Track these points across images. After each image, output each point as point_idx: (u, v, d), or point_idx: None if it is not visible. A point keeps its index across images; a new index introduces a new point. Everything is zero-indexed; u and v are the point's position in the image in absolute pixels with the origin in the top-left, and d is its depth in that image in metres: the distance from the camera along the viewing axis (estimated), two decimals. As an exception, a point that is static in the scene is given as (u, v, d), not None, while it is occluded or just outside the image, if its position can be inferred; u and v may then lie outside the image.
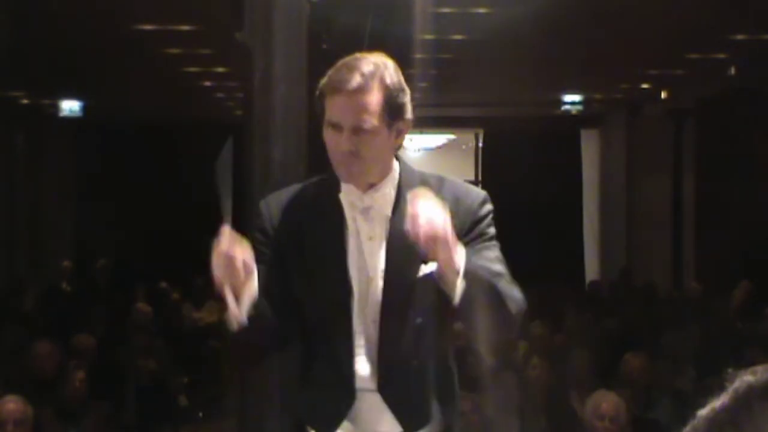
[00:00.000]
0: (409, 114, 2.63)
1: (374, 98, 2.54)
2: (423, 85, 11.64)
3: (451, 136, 18.08)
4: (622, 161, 15.70)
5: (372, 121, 2.54)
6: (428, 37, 7.94)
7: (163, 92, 13.26)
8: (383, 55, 2.66)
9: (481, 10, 8.21)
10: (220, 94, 13.53)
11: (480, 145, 16.92)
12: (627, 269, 14.33)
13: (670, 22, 8.80)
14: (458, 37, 9.25)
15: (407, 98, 2.63)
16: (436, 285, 2.58)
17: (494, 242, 2.69)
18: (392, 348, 2.64)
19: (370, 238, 2.66)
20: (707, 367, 7.54)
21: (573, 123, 16.16)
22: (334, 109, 2.55)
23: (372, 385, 2.66)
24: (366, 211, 2.66)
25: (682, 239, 14.14)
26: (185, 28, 9.00)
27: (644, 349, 7.36)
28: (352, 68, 2.55)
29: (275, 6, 3.78)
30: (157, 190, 15.19)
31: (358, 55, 2.62)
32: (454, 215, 2.60)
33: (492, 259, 2.63)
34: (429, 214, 2.41)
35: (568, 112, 15.38)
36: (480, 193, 2.72)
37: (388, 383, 2.65)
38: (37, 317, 10.10)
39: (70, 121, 14.86)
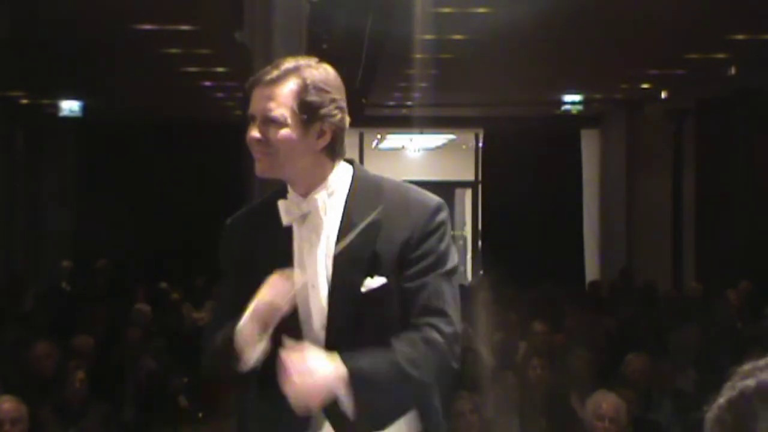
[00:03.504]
0: (335, 117, 2.59)
1: (285, 90, 2.56)
2: (423, 85, 11.68)
3: (451, 136, 18.08)
4: (622, 161, 15.71)
5: (280, 110, 2.54)
6: (428, 37, 7.96)
7: (163, 92, 13.27)
8: (324, 62, 2.66)
9: (481, 10, 8.21)
10: (220, 94, 13.53)
11: (480, 145, 16.91)
12: (627, 269, 14.33)
13: (670, 22, 8.81)
14: (458, 37, 9.25)
15: (333, 101, 2.59)
16: (386, 298, 2.55)
17: (443, 267, 2.60)
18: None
19: (310, 245, 2.63)
20: (707, 367, 7.54)
21: (573, 123, 16.17)
22: (251, 101, 2.60)
23: None
24: (304, 217, 2.63)
25: (682, 239, 14.14)
26: (185, 28, 9.01)
27: (644, 349, 7.36)
28: (274, 65, 2.61)
29: (275, 6, 3.78)
30: (157, 190, 15.19)
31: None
32: (403, 226, 2.57)
33: (421, 302, 2.55)
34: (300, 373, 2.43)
35: (568, 112, 15.38)
36: (433, 201, 2.63)
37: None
38: (37, 317, 10.10)
39: (70, 121, 14.86)
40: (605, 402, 5.54)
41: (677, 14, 8.48)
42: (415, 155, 18.62)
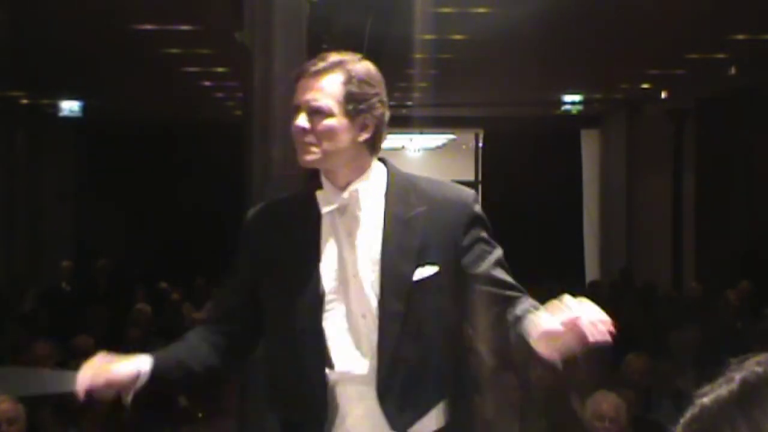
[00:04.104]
0: (377, 111, 2.65)
1: (333, 81, 2.60)
2: (423, 85, 11.68)
3: (451, 136, 18.08)
4: (622, 161, 15.71)
5: (326, 100, 2.59)
6: (428, 37, 7.95)
7: (163, 92, 13.26)
8: (366, 59, 2.71)
9: (481, 10, 8.21)
10: (220, 94, 13.53)
11: (480, 145, 16.91)
12: (627, 269, 14.33)
13: (670, 22, 8.81)
14: (458, 37, 9.25)
15: (376, 95, 2.65)
16: (436, 286, 2.61)
17: (497, 249, 2.71)
18: (391, 346, 2.62)
19: (350, 236, 2.67)
20: (707, 367, 7.53)
21: (573, 123, 16.17)
22: (297, 92, 2.64)
23: (369, 384, 2.65)
24: (343, 209, 2.67)
25: (682, 239, 14.13)
26: (185, 28, 9.01)
27: (645, 350, 7.35)
28: (318, 57, 2.66)
29: (275, 6, 3.78)
30: (157, 190, 15.19)
31: None
32: (446, 214, 2.64)
33: (503, 278, 2.67)
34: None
35: (568, 112, 15.38)
36: (470, 192, 2.75)
37: (387, 381, 2.63)
38: (37, 317, 10.09)
39: (70, 121, 14.86)
40: (605, 402, 5.54)
41: (677, 14, 8.48)
42: (415, 155, 18.61)
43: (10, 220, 14.71)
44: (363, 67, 2.65)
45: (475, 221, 2.68)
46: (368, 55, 2.73)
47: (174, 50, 10.21)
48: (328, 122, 2.59)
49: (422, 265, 2.61)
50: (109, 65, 10.86)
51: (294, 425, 2.73)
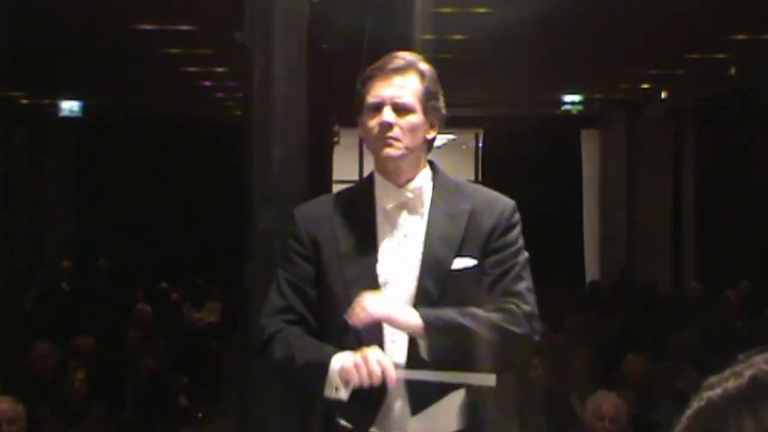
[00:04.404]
0: (442, 110, 2.74)
1: (412, 79, 2.68)
2: (423, 85, 11.67)
3: (451, 136, 18.07)
4: (622, 161, 15.71)
5: (410, 98, 2.66)
6: (428, 37, 7.94)
7: (163, 92, 13.27)
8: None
9: (481, 10, 8.21)
10: (220, 94, 13.53)
11: (480, 145, 16.91)
12: (627, 269, 14.33)
13: (670, 22, 8.81)
14: (458, 37, 9.25)
15: (441, 93, 2.74)
16: (473, 278, 2.65)
17: (521, 256, 2.72)
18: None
19: (406, 231, 2.72)
20: (707, 367, 7.52)
21: (573, 123, 16.16)
22: (375, 89, 2.68)
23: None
24: (402, 206, 2.73)
25: (682, 239, 14.14)
26: (185, 28, 9.01)
27: (644, 349, 7.35)
28: (393, 56, 2.72)
29: (275, 6, 3.78)
30: (157, 189, 15.20)
31: None
32: (486, 216, 2.70)
33: (502, 286, 2.67)
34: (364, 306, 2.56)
35: (568, 112, 15.38)
36: (511, 201, 2.80)
37: (413, 365, 2.65)
38: (37, 317, 10.10)
39: (70, 121, 14.86)
40: (605, 402, 5.54)
41: (677, 14, 8.47)
42: (415, 155, 18.60)
43: (10, 220, 14.71)
44: (429, 67, 2.74)
45: (509, 228, 2.73)
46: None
47: (174, 50, 10.21)
48: (412, 118, 2.67)
49: (462, 256, 2.67)
50: (109, 65, 10.86)
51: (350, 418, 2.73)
